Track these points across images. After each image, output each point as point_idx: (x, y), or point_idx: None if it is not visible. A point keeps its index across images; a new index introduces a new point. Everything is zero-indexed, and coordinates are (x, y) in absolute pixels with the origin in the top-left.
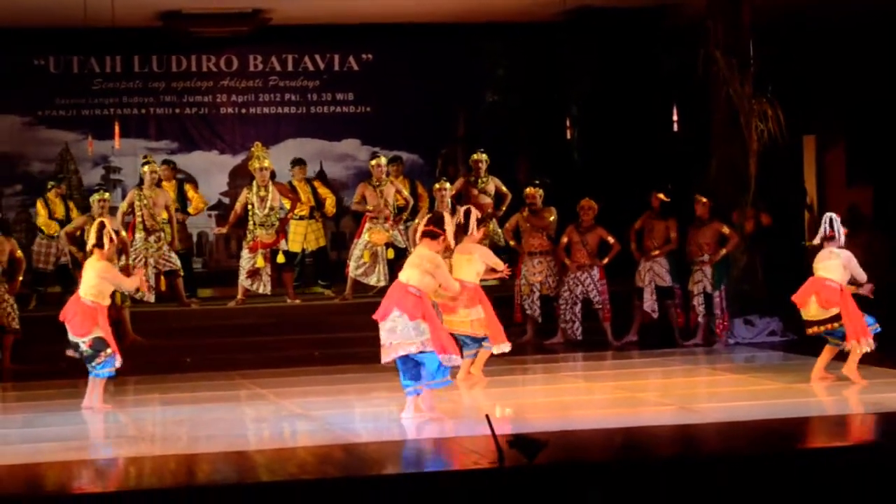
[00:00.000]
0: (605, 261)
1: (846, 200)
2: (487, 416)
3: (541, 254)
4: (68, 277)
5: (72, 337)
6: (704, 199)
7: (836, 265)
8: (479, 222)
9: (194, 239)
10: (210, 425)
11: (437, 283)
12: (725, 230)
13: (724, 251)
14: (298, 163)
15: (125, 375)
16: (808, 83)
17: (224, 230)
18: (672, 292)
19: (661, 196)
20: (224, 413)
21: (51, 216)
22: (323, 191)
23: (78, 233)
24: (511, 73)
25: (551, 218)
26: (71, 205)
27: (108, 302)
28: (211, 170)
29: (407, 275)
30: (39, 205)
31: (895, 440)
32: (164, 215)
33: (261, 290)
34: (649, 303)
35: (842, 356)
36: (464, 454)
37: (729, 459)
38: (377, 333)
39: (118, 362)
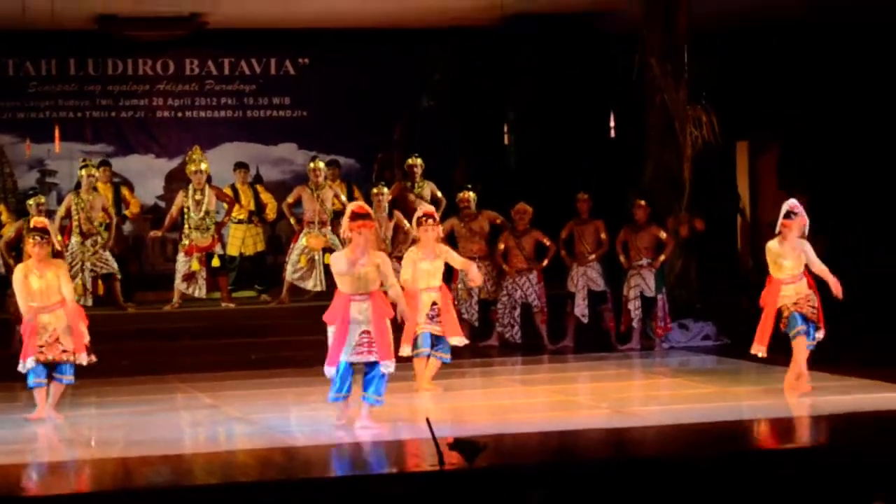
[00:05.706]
0: (544, 263)
1: (779, 205)
2: (427, 420)
3: (479, 259)
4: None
5: None
6: (643, 203)
7: None
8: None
9: (130, 242)
10: (147, 429)
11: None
12: (662, 235)
13: (662, 257)
14: (241, 166)
15: None
16: (741, 90)
17: (159, 233)
18: (605, 296)
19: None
20: (161, 417)
21: None
22: (265, 196)
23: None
24: (448, 78)
25: (498, 221)
26: (1, 208)
27: (36, 303)
28: (147, 173)
29: None
30: None
31: (830, 442)
32: (102, 218)
33: (196, 294)
34: (580, 307)
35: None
36: (404, 457)
37: (664, 462)
38: (313, 337)
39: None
